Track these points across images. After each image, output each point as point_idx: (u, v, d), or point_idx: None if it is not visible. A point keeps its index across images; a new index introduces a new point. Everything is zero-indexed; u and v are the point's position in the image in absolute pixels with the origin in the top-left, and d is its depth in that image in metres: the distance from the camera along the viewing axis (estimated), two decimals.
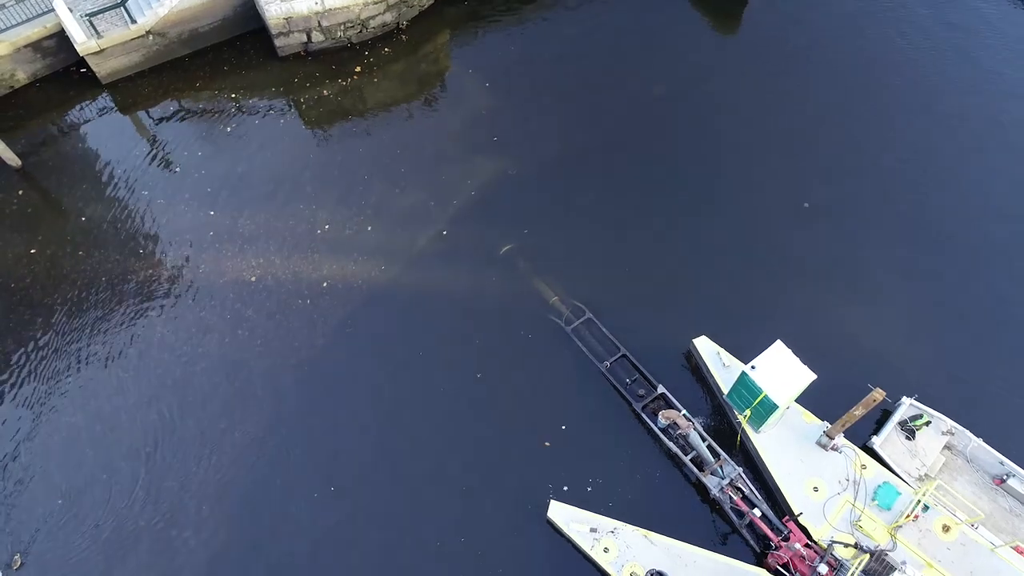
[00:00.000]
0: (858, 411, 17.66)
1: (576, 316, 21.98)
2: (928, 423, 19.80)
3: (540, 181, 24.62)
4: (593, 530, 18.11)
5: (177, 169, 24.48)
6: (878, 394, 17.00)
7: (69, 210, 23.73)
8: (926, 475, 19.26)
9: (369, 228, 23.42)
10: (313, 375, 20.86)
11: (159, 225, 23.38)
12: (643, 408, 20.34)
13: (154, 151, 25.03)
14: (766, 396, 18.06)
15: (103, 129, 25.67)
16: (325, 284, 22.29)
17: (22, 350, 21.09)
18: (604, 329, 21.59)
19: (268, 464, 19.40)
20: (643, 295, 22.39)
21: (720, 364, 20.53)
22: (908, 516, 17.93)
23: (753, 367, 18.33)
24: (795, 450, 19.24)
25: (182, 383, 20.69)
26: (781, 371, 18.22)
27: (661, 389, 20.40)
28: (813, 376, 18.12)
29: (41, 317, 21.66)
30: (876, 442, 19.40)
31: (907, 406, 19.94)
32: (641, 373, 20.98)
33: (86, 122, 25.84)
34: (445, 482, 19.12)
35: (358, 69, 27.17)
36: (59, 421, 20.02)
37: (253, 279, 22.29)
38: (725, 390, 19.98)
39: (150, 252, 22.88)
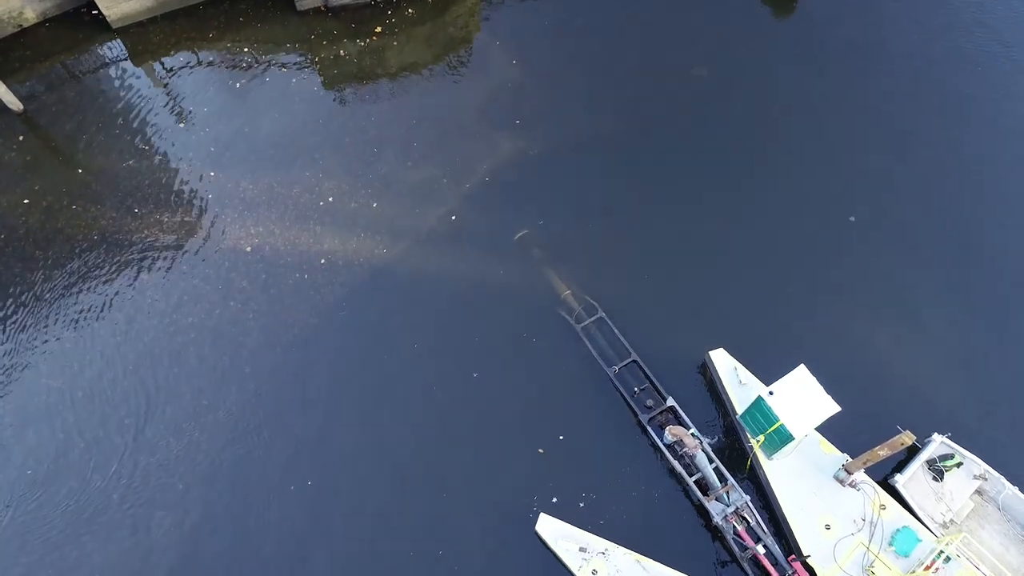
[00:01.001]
0: (882, 451, 16.11)
1: (588, 314, 20.54)
2: (959, 464, 18.16)
3: (563, 165, 22.97)
4: (583, 549, 16.95)
5: (181, 124, 23.29)
6: (907, 438, 15.42)
7: (68, 160, 22.73)
8: (951, 521, 17.71)
9: (376, 202, 22.07)
10: (303, 357, 19.78)
11: (158, 183, 22.28)
12: (650, 420, 18.96)
13: (160, 103, 23.83)
14: (782, 426, 16.58)
15: (110, 76, 24.49)
16: (323, 260, 21.08)
17: (9, 303, 20.29)
18: (616, 331, 20.13)
19: (248, 448, 18.45)
20: (661, 298, 20.82)
21: (736, 381, 19.01)
22: (927, 567, 16.43)
23: (771, 392, 16.82)
24: (809, 482, 17.77)
25: (168, 353, 19.77)
26: (802, 399, 16.69)
27: (671, 402, 18.98)
28: (837, 408, 16.56)
29: (30, 271, 20.81)
30: (899, 481, 17.84)
31: (938, 444, 18.29)
32: (651, 382, 19.55)
33: (93, 68, 24.67)
34: (428, 485, 18.02)
35: (379, 29, 25.53)
36: (39, 383, 19.26)
37: (249, 248, 21.17)
38: (739, 409, 18.51)
39: (146, 211, 21.84)
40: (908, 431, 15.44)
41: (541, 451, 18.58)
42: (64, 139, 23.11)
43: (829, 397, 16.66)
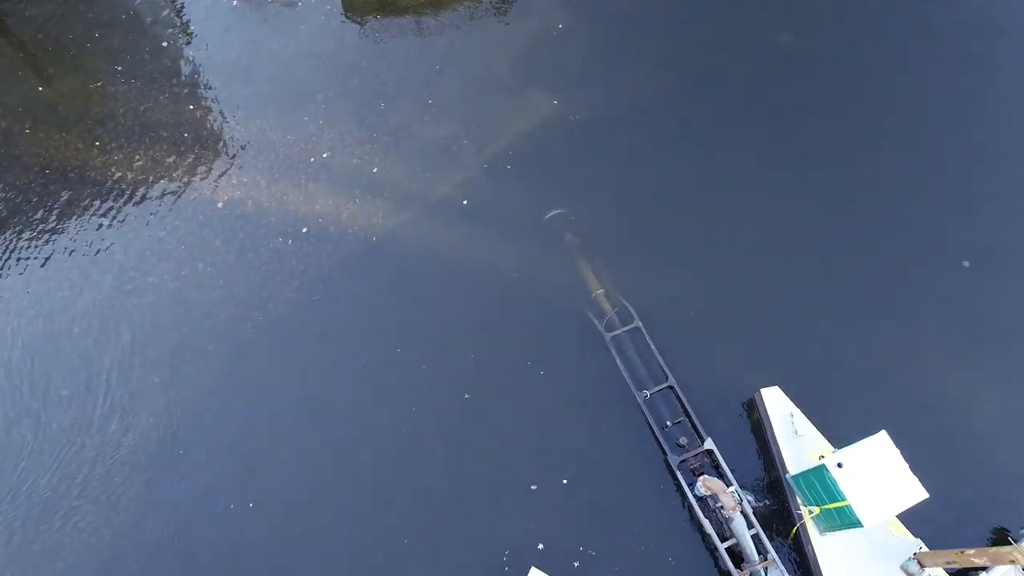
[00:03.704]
0: (978, 559, 12.46)
1: (622, 321, 16.91)
2: None
3: (610, 138, 19.00)
4: None
5: (166, 44, 19.94)
6: (1019, 556, 11.72)
7: (37, 77, 19.69)
8: None
9: (382, 161, 18.58)
10: (275, 338, 16.67)
11: (132, 113, 19.11)
12: (681, 463, 15.50)
13: (148, 18, 20.53)
14: (849, 507, 13.00)
15: None
16: (307, 229, 17.74)
17: None
18: (653, 346, 16.43)
19: (194, 441, 15.57)
20: (714, 313, 16.99)
21: (790, 430, 15.36)
22: None
23: (840, 464, 13.19)
24: (868, 569, 14.18)
25: (121, 316, 16.89)
26: (879, 478, 13.02)
27: (709, 444, 15.45)
28: (924, 495, 12.88)
29: None
30: None
31: None
32: (689, 416, 15.96)
33: None
34: (392, 527, 14.87)
35: None
36: None
37: (223, 203, 17.95)
38: (791, 466, 14.93)
39: (117, 146, 18.73)
40: (1022, 548, 11.75)
41: (534, 487, 15.30)
42: (36, 51, 20.06)
43: (916, 479, 12.96)
